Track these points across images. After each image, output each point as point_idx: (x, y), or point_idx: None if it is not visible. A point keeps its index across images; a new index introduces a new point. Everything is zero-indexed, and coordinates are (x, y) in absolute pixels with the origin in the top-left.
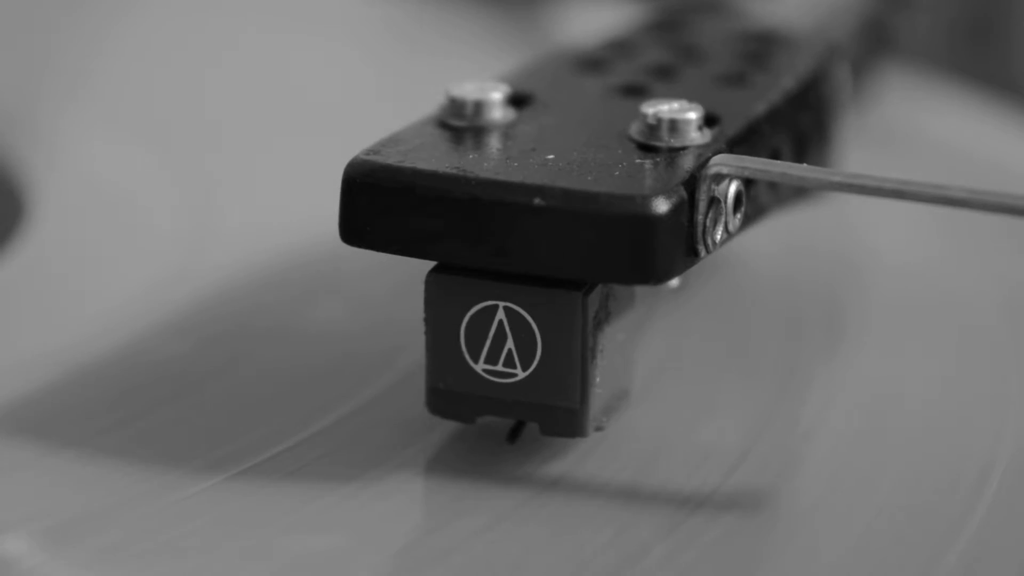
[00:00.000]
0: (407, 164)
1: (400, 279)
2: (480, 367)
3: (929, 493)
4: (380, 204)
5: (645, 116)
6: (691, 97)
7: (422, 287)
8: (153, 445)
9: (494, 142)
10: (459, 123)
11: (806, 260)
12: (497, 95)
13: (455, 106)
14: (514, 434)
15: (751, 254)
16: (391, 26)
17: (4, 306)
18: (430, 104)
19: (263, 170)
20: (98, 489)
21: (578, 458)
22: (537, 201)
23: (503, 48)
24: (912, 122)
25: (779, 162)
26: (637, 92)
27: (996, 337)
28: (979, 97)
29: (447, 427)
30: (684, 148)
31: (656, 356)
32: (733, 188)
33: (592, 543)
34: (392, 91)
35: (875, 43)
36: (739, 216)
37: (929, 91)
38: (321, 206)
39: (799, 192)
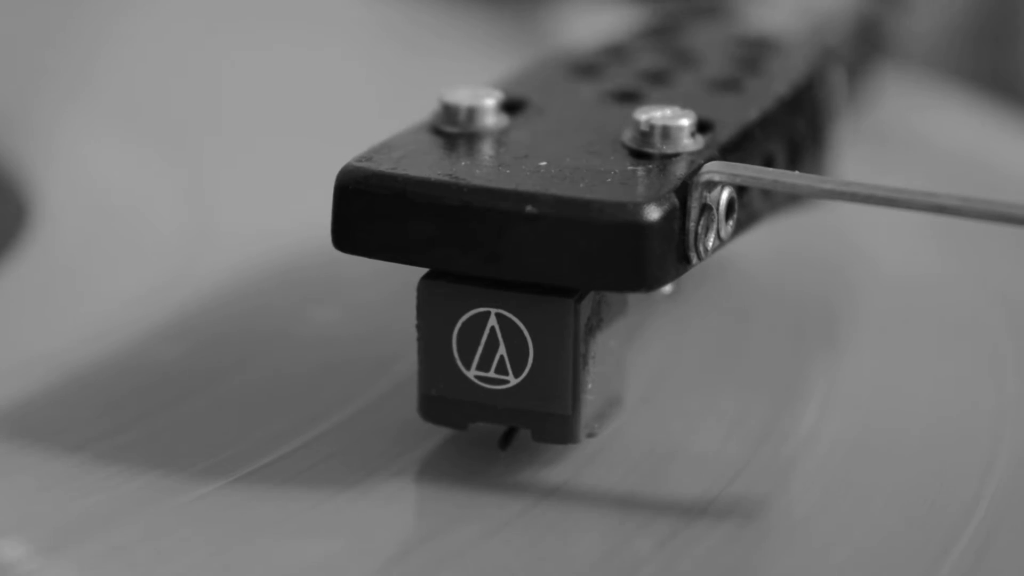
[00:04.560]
0: (399, 171)
1: (394, 286)
2: (472, 374)
3: (926, 502)
4: (372, 211)
5: (638, 123)
6: (685, 103)
7: (415, 294)
8: (150, 450)
9: (487, 148)
10: (452, 129)
11: (803, 267)
12: (490, 101)
13: (448, 112)
14: (506, 440)
15: (748, 261)
16: (389, 29)
17: (5, 308)
18: (429, 107)
19: (260, 174)
20: (96, 494)
21: (576, 467)
22: (529, 208)
23: (500, 51)
24: (913, 126)
25: (771, 169)
26: (631, 98)
27: (993, 344)
28: (982, 101)
29: (440, 434)
30: (676, 155)
31: (653, 364)
32: (725, 195)
33: (589, 552)
34: (391, 94)
35: (871, 47)
36: (731, 223)
37: (931, 95)
38: (318, 210)
39: (793, 198)
